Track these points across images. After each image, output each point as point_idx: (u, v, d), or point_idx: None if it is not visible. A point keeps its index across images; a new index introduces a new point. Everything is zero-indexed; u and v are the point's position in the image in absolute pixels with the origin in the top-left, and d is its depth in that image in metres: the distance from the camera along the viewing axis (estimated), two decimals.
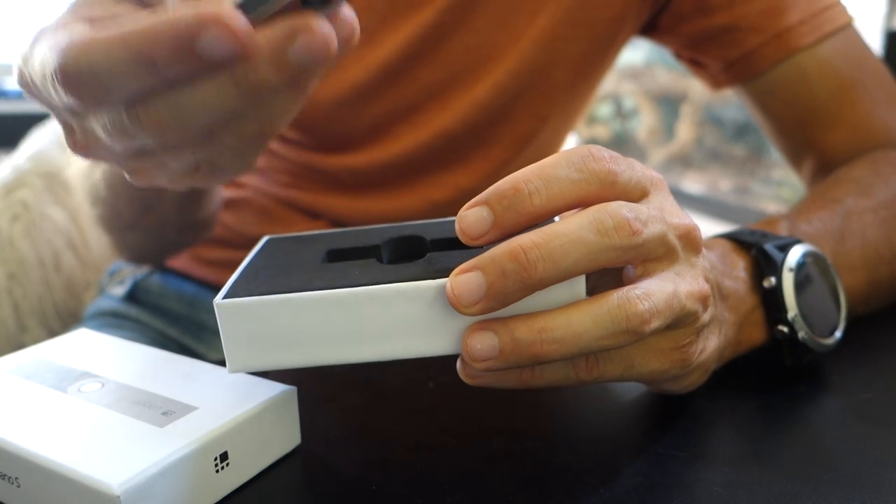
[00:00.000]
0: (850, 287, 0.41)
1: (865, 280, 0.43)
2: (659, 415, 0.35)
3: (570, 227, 0.25)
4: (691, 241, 0.29)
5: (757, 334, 0.37)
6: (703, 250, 0.30)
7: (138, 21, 0.22)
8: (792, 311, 0.36)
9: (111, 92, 0.24)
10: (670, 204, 0.30)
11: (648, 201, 0.28)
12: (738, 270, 0.37)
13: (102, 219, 0.56)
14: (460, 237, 0.26)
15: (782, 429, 0.33)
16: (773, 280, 0.36)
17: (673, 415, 0.35)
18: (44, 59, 0.25)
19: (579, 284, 0.27)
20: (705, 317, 0.30)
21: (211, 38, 0.21)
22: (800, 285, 0.37)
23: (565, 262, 0.25)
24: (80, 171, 0.57)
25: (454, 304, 0.25)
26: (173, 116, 0.24)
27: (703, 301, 0.29)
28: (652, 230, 0.27)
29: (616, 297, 0.26)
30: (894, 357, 0.41)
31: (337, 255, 0.32)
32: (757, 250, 0.37)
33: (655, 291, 0.27)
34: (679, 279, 0.28)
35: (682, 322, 0.29)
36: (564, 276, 0.25)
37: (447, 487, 0.29)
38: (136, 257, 0.61)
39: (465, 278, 0.25)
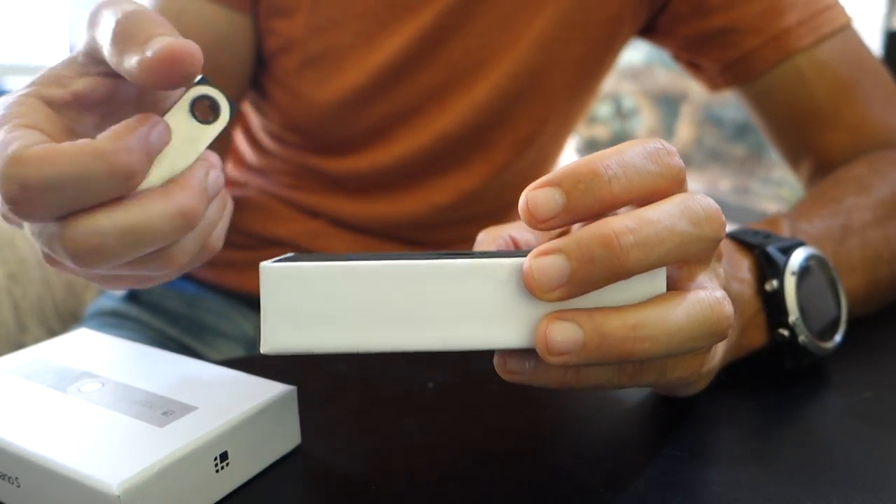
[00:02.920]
0: (849, 288, 0.41)
1: (865, 280, 0.43)
2: (659, 415, 0.35)
3: (662, 214, 0.24)
4: (719, 250, 0.29)
5: (758, 337, 0.37)
6: None
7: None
8: (793, 314, 0.36)
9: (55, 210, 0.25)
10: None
11: None
12: (742, 272, 0.37)
13: None
14: (523, 216, 0.24)
15: (782, 429, 0.33)
16: (775, 283, 0.36)
17: (673, 415, 0.35)
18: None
19: (661, 277, 0.25)
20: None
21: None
22: (801, 289, 0.37)
23: (657, 251, 0.23)
24: None
25: (531, 287, 0.23)
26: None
27: (726, 308, 0.29)
28: (724, 221, 0.26)
29: (706, 297, 0.25)
30: (894, 357, 0.41)
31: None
32: (759, 252, 0.37)
33: (719, 294, 0.26)
34: (715, 282, 0.28)
35: (715, 330, 0.28)
36: (653, 266, 0.24)
37: (447, 487, 0.29)
38: None
39: (546, 261, 0.23)
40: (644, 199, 0.25)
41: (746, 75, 0.57)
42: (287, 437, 0.31)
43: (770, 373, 0.38)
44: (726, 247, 0.37)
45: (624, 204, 0.24)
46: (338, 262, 0.24)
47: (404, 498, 0.29)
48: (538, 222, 0.23)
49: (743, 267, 0.37)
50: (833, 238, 0.43)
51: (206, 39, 0.55)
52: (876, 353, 0.41)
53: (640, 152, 0.24)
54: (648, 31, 0.62)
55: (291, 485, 0.30)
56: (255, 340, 0.62)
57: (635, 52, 2.07)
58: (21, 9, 2.03)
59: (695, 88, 1.95)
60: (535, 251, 0.23)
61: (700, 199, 0.25)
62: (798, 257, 0.37)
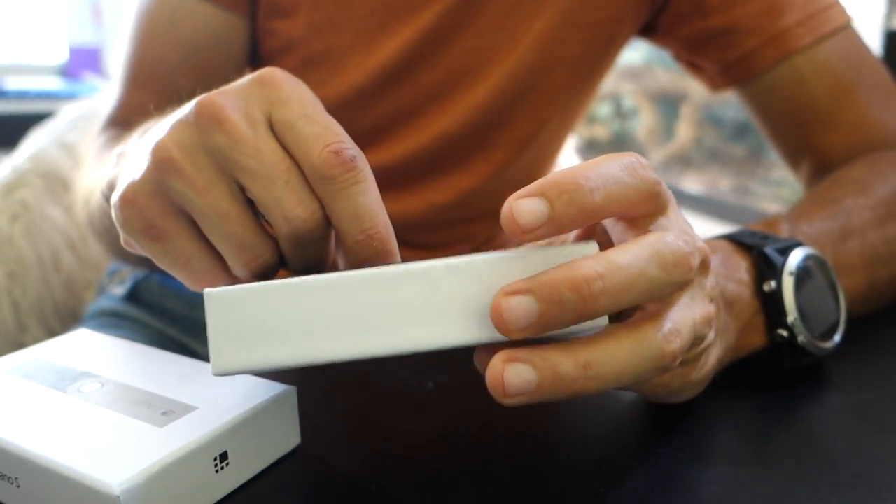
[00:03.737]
0: (848, 288, 0.41)
1: (864, 280, 0.43)
2: (659, 415, 0.35)
3: (632, 259, 0.24)
4: (705, 264, 0.29)
5: (757, 338, 0.37)
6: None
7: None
8: (791, 315, 0.36)
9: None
10: (682, 219, 0.29)
11: (668, 216, 0.28)
12: (740, 273, 0.37)
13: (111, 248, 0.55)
14: (507, 226, 0.24)
15: (782, 429, 0.33)
16: (773, 284, 0.36)
17: (673, 415, 0.35)
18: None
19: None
20: (710, 336, 0.30)
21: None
22: (800, 289, 0.37)
23: (626, 296, 0.23)
24: (82, 197, 0.56)
25: (499, 326, 0.23)
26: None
27: (710, 323, 0.29)
28: (695, 262, 0.26)
29: (654, 333, 0.25)
30: (894, 357, 0.41)
31: None
32: (757, 253, 0.37)
33: (682, 325, 0.26)
34: (693, 304, 0.27)
35: (696, 352, 0.29)
36: (621, 309, 0.24)
37: (447, 487, 0.29)
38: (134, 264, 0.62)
39: (515, 301, 0.23)
40: (623, 209, 0.26)
41: (746, 75, 0.57)
42: (287, 437, 0.31)
43: (770, 373, 0.38)
44: (724, 248, 0.37)
45: (605, 216, 0.25)
46: (274, 281, 0.25)
47: (404, 498, 0.29)
48: (522, 232, 0.24)
49: (741, 268, 0.37)
50: (832, 238, 0.43)
51: (199, 38, 0.55)
52: (876, 353, 0.41)
53: (617, 165, 0.25)
54: (648, 32, 0.62)
55: (291, 485, 0.30)
56: None
57: (635, 52, 2.07)
58: (21, 9, 2.03)
59: (695, 88, 1.95)
60: (504, 289, 0.23)
61: (670, 242, 0.25)
62: (796, 258, 0.37)
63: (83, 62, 2.10)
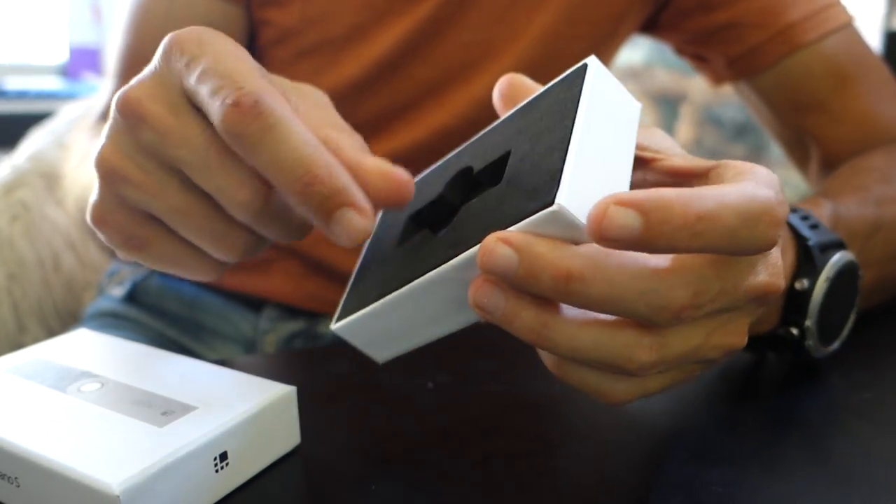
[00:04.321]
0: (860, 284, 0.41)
1: (875, 275, 0.43)
2: (659, 415, 0.35)
3: (621, 281, 0.23)
4: (763, 298, 0.26)
5: (764, 326, 0.37)
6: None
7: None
8: (810, 319, 0.36)
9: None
10: (775, 258, 0.26)
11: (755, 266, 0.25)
12: (785, 265, 0.35)
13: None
14: (592, 229, 0.22)
15: (782, 429, 0.33)
16: (805, 283, 0.35)
17: (673, 415, 0.35)
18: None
19: None
20: (723, 360, 0.28)
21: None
22: (827, 295, 0.36)
23: (610, 307, 0.23)
24: (78, 196, 0.56)
25: (480, 265, 0.23)
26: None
27: (732, 353, 0.27)
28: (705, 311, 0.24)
29: (628, 336, 0.24)
30: (894, 357, 0.41)
31: (417, 220, 0.32)
32: (802, 248, 0.36)
33: (673, 346, 0.24)
34: (718, 331, 0.25)
35: (696, 363, 0.27)
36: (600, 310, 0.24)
37: (447, 487, 0.29)
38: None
39: (498, 253, 0.23)
40: (717, 253, 0.23)
41: (752, 69, 0.57)
42: (287, 437, 0.31)
43: (770, 373, 0.38)
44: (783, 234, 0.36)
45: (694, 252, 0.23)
46: (369, 304, 0.29)
47: (404, 498, 0.29)
48: (598, 237, 0.22)
49: (787, 260, 0.36)
50: (864, 231, 0.42)
51: None
52: (876, 354, 0.41)
53: (741, 212, 0.22)
54: (650, 27, 0.62)
55: (291, 485, 0.30)
56: (254, 341, 0.62)
57: (635, 52, 2.07)
58: (21, 9, 2.03)
59: (695, 89, 1.95)
60: (498, 235, 0.23)
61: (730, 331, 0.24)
62: (835, 264, 0.36)
63: (83, 62, 2.10)
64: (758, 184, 0.24)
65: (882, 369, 0.40)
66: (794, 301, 0.36)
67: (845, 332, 0.39)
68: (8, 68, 2.02)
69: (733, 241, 0.22)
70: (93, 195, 0.29)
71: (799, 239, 0.36)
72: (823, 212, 0.40)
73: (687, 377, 0.27)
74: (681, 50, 0.63)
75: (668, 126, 2.02)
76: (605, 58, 0.61)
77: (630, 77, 2.11)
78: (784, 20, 0.55)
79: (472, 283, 0.24)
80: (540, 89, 0.31)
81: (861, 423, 0.34)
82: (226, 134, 0.25)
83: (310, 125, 0.26)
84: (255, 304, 0.63)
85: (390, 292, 0.28)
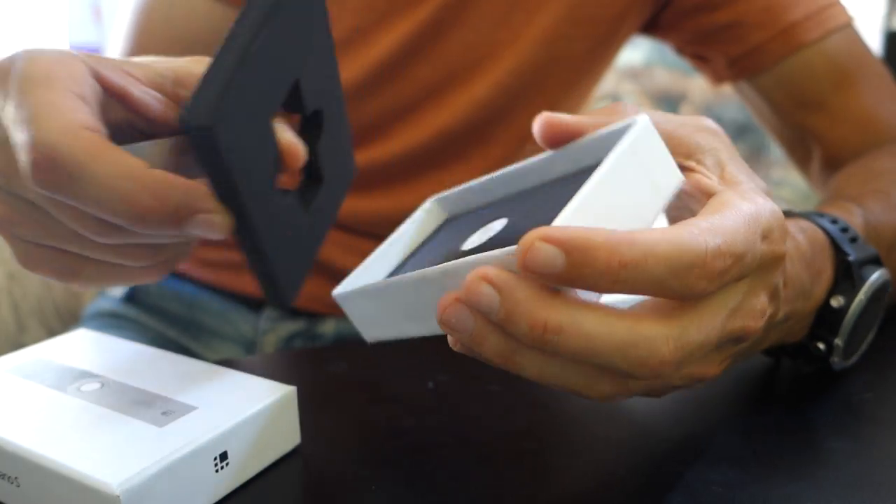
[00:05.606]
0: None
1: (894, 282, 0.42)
2: (658, 415, 0.35)
3: (601, 339, 0.23)
4: (739, 340, 0.26)
5: (789, 339, 0.36)
6: (789, 252, 0.27)
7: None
8: (841, 338, 0.35)
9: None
10: (756, 302, 0.26)
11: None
12: (822, 279, 0.35)
13: None
14: (518, 260, 0.22)
15: (782, 429, 0.33)
16: (842, 300, 0.35)
17: (673, 415, 0.35)
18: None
19: None
20: (741, 346, 0.27)
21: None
22: (860, 314, 0.36)
23: (585, 356, 0.23)
24: None
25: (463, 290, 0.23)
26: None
27: (748, 336, 0.26)
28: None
29: (590, 371, 0.24)
30: (894, 357, 0.41)
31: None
32: (843, 265, 0.35)
33: (689, 345, 0.24)
34: (732, 315, 0.25)
35: (707, 356, 0.26)
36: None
37: (447, 487, 0.29)
38: None
39: (482, 289, 0.23)
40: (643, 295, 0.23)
41: (753, 69, 0.57)
42: (287, 437, 0.31)
43: (770, 373, 0.38)
44: (820, 242, 0.36)
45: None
46: (375, 280, 0.31)
47: (404, 498, 0.29)
48: (523, 268, 0.22)
49: (823, 276, 0.35)
50: (889, 244, 0.41)
51: (196, 34, 0.55)
52: (876, 354, 0.41)
53: (669, 261, 0.22)
54: (651, 28, 0.62)
55: (291, 485, 0.30)
56: (254, 341, 0.62)
57: (635, 52, 2.07)
58: (21, 9, 2.03)
59: (695, 89, 1.95)
60: (481, 272, 0.23)
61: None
62: (874, 282, 0.36)
63: None
64: (715, 227, 0.23)
65: (882, 369, 0.40)
66: (828, 317, 0.35)
67: (864, 346, 0.39)
68: None
69: (661, 290, 0.22)
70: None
71: (839, 253, 0.36)
72: (856, 220, 0.40)
73: (696, 384, 0.27)
74: (681, 50, 0.63)
75: None
76: (606, 58, 0.61)
77: (630, 77, 2.11)
78: (786, 20, 0.55)
79: (442, 299, 0.24)
80: (584, 133, 0.31)
81: (862, 424, 0.34)
82: (40, 191, 0.24)
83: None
84: (255, 304, 0.63)
85: (392, 277, 0.29)
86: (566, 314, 0.22)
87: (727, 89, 0.63)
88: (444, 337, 0.29)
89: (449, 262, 0.25)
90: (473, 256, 0.24)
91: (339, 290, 0.33)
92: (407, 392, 0.38)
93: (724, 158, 0.29)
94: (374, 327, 0.32)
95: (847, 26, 0.56)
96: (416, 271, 0.27)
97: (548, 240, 0.21)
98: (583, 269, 0.21)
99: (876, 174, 0.49)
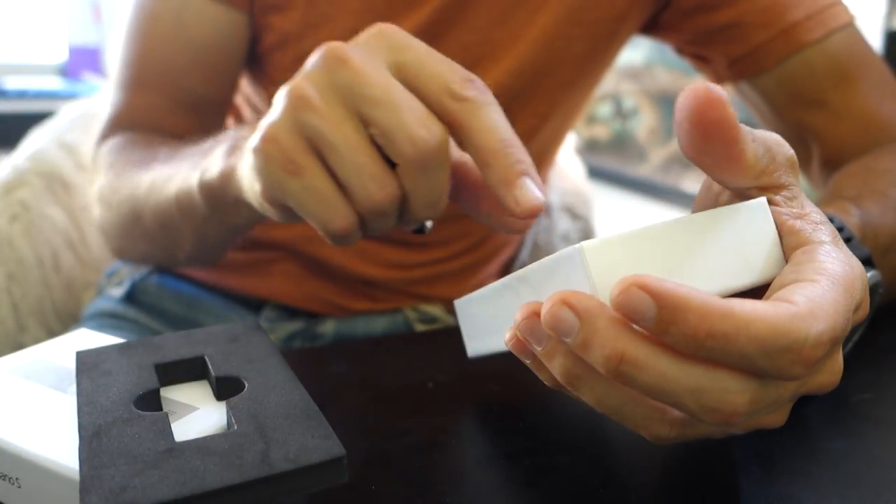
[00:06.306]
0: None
1: (891, 282, 0.42)
2: None
3: (676, 379, 0.23)
4: (816, 393, 0.26)
5: None
6: None
7: None
8: None
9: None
10: (837, 360, 0.26)
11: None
12: None
13: (122, 227, 0.54)
14: (613, 296, 0.22)
15: (782, 429, 0.33)
16: None
17: None
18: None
19: None
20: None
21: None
22: None
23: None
24: (105, 184, 0.55)
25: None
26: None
27: (825, 390, 0.26)
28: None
29: (651, 408, 0.25)
30: (894, 357, 0.41)
31: None
32: None
33: (697, 428, 0.25)
34: (812, 375, 0.25)
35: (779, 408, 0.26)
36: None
37: (447, 487, 0.29)
38: (139, 262, 0.61)
39: (555, 313, 0.23)
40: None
41: (754, 69, 0.57)
42: None
43: None
44: None
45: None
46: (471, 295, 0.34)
47: (404, 498, 0.29)
48: (615, 306, 0.22)
49: None
50: (885, 245, 0.41)
51: (206, 39, 0.55)
52: (875, 354, 0.41)
53: (761, 342, 0.21)
54: (651, 28, 0.62)
55: None
56: None
57: (635, 52, 2.07)
58: (21, 8, 2.03)
59: None
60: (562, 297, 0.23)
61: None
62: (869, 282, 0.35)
63: (83, 62, 2.10)
64: (816, 310, 0.22)
65: (882, 369, 0.40)
66: None
67: (850, 345, 0.39)
68: (8, 68, 2.02)
69: (750, 365, 0.22)
70: (268, 118, 0.31)
71: None
72: (853, 220, 0.40)
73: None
74: (682, 50, 0.63)
75: (669, 126, 2.02)
76: (606, 59, 0.61)
77: (630, 77, 2.11)
78: (787, 19, 0.55)
79: (522, 308, 0.26)
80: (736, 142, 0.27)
81: (861, 423, 0.34)
82: (455, 94, 0.30)
83: None
84: (254, 304, 0.63)
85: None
86: (645, 350, 0.22)
87: (727, 89, 0.63)
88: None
89: (523, 269, 0.28)
90: (540, 261, 0.27)
91: (458, 300, 0.36)
92: (407, 392, 0.38)
93: (797, 189, 0.28)
94: (476, 338, 0.35)
95: (849, 25, 0.55)
96: (508, 276, 0.29)
97: (643, 287, 0.21)
98: (670, 327, 0.21)
99: (876, 174, 0.49)
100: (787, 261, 0.26)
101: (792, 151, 0.28)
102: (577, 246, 0.24)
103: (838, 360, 0.26)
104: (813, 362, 0.22)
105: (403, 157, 0.30)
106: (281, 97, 0.31)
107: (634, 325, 0.23)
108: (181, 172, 0.46)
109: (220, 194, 0.41)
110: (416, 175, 0.30)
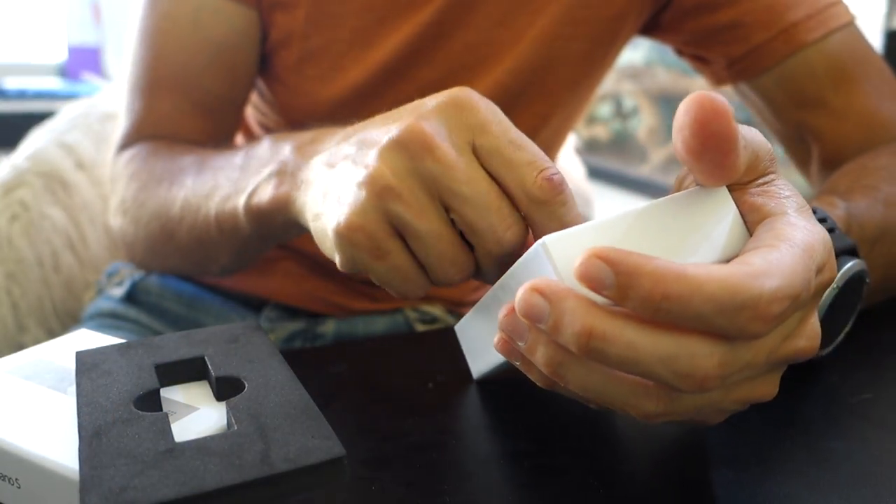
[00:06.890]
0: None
1: (881, 278, 0.42)
2: None
3: (645, 357, 0.23)
4: (796, 359, 0.26)
5: None
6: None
7: None
8: None
9: None
10: (814, 323, 0.26)
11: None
12: None
13: (153, 242, 0.54)
14: (576, 269, 0.23)
15: (782, 429, 0.33)
16: None
17: None
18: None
19: None
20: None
21: None
22: (832, 302, 0.36)
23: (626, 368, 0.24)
24: (129, 197, 0.55)
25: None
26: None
27: (804, 356, 0.27)
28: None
29: (635, 385, 0.25)
30: (894, 357, 0.41)
31: None
32: None
33: (684, 401, 0.25)
34: (787, 340, 0.25)
35: (713, 412, 0.27)
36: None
37: (447, 487, 0.29)
38: (165, 272, 0.62)
39: (532, 300, 0.24)
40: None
41: (754, 69, 0.57)
42: None
43: None
44: None
45: None
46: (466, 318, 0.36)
47: (404, 498, 0.29)
48: (578, 277, 0.23)
49: None
50: (873, 237, 0.42)
51: (223, 38, 0.55)
52: (876, 354, 0.41)
53: (716, 301, 0.22)
54: (651, 28, 0.62)
55: None
56: None
57: (635, 52, 2.07)
58: (21, 9, 2.03)
59: (695, 88, 1.95)
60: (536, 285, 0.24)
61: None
62: (848, 272, 0.36)
63: (83, 62, 2.10)
64: (772, 268, 0.23)
65: (882, 369, 0.40)
66: None
67: (841, 336, 0.39)
68: (8, 68, 2.02)
69: (709, 325, 0.23)
70: (347, 206, 0.32)
71: None
72: (838, 212, 0.40)
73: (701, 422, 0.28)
74: (681, 51, 0.63)
75: (669, 126, 2.02)
76: (607, 59, 0.61)
77: (630, 77, 2.12)
78: (787, 19, 0.55)
79: (503, 309, 0.26)
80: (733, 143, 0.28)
81: (861, 423, 0.34)
82: (533, 198, 0.30)
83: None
84: (254, 304, 0.63)
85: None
86: (611, 323, 0.23)
87: (728, 89, 0.63)
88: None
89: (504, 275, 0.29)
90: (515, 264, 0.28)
91: (457, 324, 0.37)
92: (407, 392, 0.38)
93: (773, 175, 0.29)
94: (476, 357, 0.36)
95: (849, 25, 0.55)
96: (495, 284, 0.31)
97: (601, 257, 0.22)
98: (628, 292, 0.22)
99: (870, 171, 0.49)
100: (752, 235, 0.27)
101: (770, 146, 0.29)
102: (540, 241, 0.25)
103: (813, 325, 0.26)
104: (771, 318, 0.23)
105: (489, 254, 0.31)
106: (359, 178, 0.31)
107: (600, 302, 0.24)
108: (219, 191, 0.45)
109: (269, 220, 0.41)
110: (494, 262, 0.31)
